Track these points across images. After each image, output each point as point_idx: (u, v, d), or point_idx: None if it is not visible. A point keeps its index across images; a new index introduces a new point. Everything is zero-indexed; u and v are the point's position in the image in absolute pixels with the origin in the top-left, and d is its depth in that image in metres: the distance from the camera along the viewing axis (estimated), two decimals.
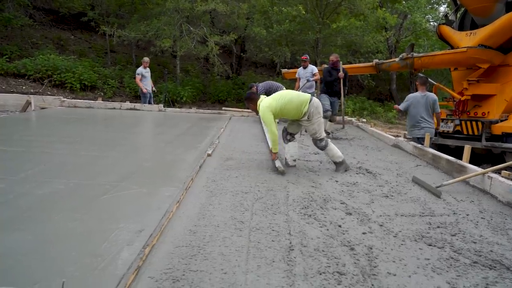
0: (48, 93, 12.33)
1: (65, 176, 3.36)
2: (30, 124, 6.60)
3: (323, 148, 4.09)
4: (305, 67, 7.70)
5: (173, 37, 13.53)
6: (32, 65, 12.73)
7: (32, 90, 12.22)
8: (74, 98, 11.47)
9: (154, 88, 10.15)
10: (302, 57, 7.80)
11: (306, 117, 3.96)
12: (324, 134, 4.10)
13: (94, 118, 7.66)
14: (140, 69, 9.46)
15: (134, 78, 9.86)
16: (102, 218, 2.51)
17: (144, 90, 9.63)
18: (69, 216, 2.49)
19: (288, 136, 4.25)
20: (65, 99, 9.28)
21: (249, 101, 4.20)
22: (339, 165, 4.14)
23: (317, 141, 4.09)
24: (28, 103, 8.18)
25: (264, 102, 3.98)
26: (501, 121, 6.53)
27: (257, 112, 4.09)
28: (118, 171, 3.62)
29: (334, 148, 4.14)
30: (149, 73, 9.71)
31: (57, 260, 1.94)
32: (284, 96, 4.00)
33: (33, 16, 15.40)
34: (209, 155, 4.51)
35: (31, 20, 14.86)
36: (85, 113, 7.97)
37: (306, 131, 4.25)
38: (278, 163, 3.99)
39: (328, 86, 6.96)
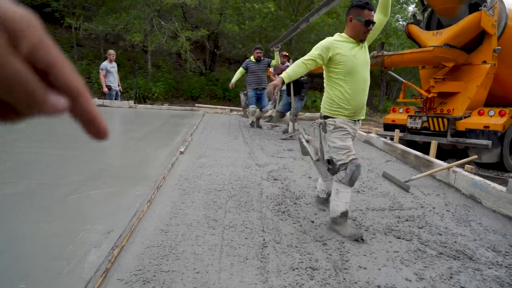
0: None
1: (28, 176, 3.18)
2: None
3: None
4: (283, 63, 7.63)
5: (143, 31, 13.18)
6: None
7: None
8: None
9: (120, 87, 8.96)
10: (283, 53, 7.74)
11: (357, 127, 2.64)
12: None
13: (60, 115, 7.32)
14: (105, 64, 8.28)
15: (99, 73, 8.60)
16: (68, 219, 2.40)
17: (105, 90, 8.42)
18: (32, 218, 2.36)
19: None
20: None
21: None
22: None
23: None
24: None
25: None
26: (465, 117, 6.85)
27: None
28: (85, 170, 3.48)
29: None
30: (116, 68, 8.57)
31: (18, 264, 1.83)
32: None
33: None
34: (181, 152, 4.43)
35: None
36: None
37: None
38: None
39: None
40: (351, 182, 2.43)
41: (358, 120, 2.58)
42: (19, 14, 0.23)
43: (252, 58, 7.11)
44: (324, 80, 2.62)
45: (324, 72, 2.60)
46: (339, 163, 2.45)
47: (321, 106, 2.66)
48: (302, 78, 6.19)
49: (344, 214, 2.44)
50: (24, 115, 0.25)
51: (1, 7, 0.22)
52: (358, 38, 2.50)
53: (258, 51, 7.02)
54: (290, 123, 6.37)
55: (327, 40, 2.54)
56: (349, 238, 2.36)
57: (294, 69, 2.53)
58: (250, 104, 7.11)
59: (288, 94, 6.37)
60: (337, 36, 2.56)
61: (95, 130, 0.28)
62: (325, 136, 2.60)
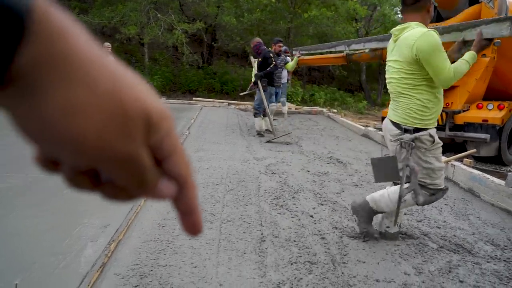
0: None
1: (23, 169, 3.15)
2: None
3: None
4: (279, 52, 7.20)
5: (139, 24, 13.04)
6: None
7: None
8: None
9: None
10: (279, 44, 7.23)
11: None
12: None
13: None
14: None
15: None
16: (64, 213, 2.37)
17: None
18: (27, 212, 2.34)
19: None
20: None
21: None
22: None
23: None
24: None
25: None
26: (463, 111, 6.83)
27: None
28: None
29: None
30: None
31: (14, 260, 1.81)
32: None
33: None
34: None
35: None
36: None
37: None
38: None
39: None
40: (422, 204, 2.13)
41: None
42: (159, 108, 0.24)
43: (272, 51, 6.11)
44: (406, 86, 2.04)
45: (405, 76, 2.03)
46: (432, 187, 2.08)
47: (401, 117, 2.07)
48: (269, 68, 5.55)
49: (376, 213, 2.26)
50: (131, 196, 0.26)
51: (150, 102, 0.23)
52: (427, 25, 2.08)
53: (280, 44, 6.23)
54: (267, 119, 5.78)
55: (436, 35, 1.94)
56: (362, 231, 2.27)
57: (463, 67, 2.03)
58: (271, 102, 6.16)
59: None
60: (425, 28, 1.98)
61: (190, 224, 0.28)
62: (413, 155, 2.05)
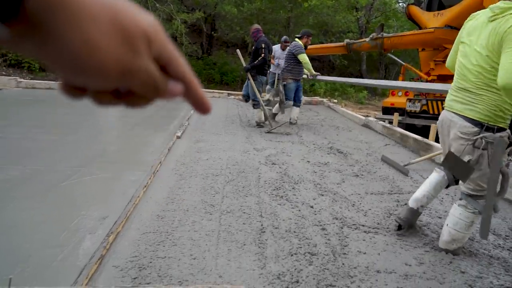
0: (3, 73, 11.48)
1: (21, 161, 3.12)
2: None
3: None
4: (284, 48, 7.01)
5: None
6: None
7: None
8: (33, 79, 10.75)
9: None
10: (287, 41, 6.74)
11: None
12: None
13: (55, 100, 7.21)
14: None
15: None
16: (62, 205, 2.35)
17: None
18: (25, 204, 2.32)
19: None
20: (22, 79, 8.68)
21: None
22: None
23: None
24: None
25: None
26: None
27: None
28: (80, 155, 3.42)
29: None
30: None
31: (11, 252, 1.79)
32: None
33: None
34: (178, 137, 4.37)
35: None
36: (44, 95, 7.49)
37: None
38: None
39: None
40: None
41: None
42: (152, 23, 0.29)
43: (301, 42, 5.79)
44: (496, 78, 1.72)
45: (497, 66, 1.71)
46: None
47: (483, 113, 1.81)
48: (256, 61, 5.37)
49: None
50: (149, 100, 0.32)
51: (144, 20, 0.28)
52: None
53: (311, 37, 5.99)
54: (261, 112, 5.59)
55: None
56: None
57: None
58: (290, 99, 5.82)
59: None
60: None
61: (202, 107, 0.35)
62: (484, 157, 1.85)
